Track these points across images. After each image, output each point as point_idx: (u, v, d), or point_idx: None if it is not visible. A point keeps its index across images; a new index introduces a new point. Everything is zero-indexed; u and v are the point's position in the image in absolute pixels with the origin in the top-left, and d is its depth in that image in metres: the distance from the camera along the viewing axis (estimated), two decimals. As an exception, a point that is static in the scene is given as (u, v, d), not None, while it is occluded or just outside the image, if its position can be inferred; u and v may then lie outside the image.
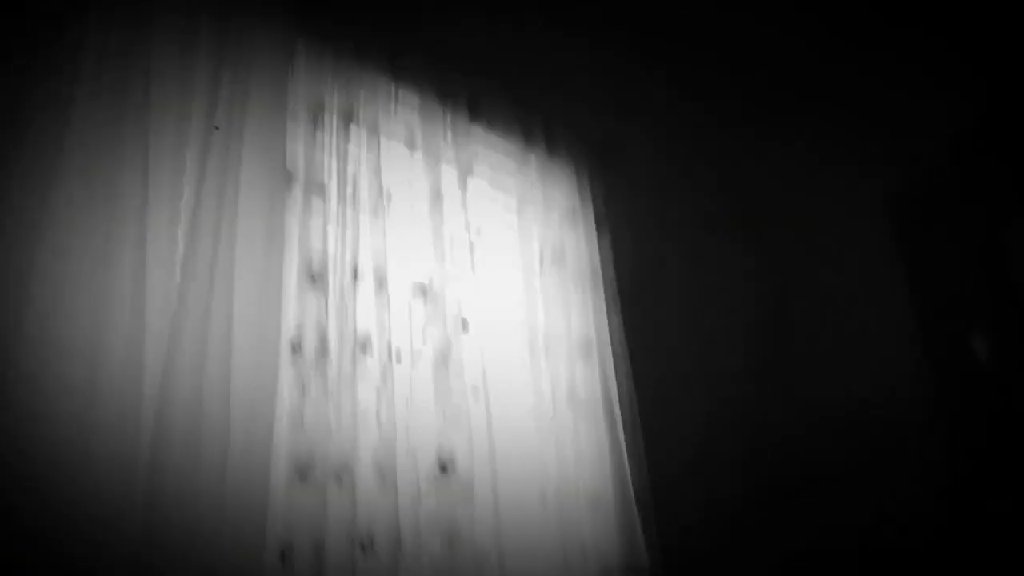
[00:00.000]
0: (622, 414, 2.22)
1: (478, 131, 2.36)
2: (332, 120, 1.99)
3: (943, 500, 2.45)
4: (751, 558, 2.37)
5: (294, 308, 1.70)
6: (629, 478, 2.14)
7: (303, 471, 1.55)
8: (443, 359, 1.94)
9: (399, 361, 1.85)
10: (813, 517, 2.56)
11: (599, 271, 2.46)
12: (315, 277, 1.77)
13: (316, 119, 1.95)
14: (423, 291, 2.00)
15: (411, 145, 2.16)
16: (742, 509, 2.48)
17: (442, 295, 2.02)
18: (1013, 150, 2.68)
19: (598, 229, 2.53)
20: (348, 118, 2.03)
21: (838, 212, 3.00)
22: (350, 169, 1.97)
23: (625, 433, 2.20)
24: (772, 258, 3.03)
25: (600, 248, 2.50)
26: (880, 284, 2.84)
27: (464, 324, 2.04)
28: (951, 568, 2.34)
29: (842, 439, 2.70)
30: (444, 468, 1.79)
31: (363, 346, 1.79)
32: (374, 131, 2.07)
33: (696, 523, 2.32)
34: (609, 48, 2.90)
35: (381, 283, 1.90)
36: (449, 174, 2.20)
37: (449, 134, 2.26)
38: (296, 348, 1.66)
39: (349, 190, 1.94)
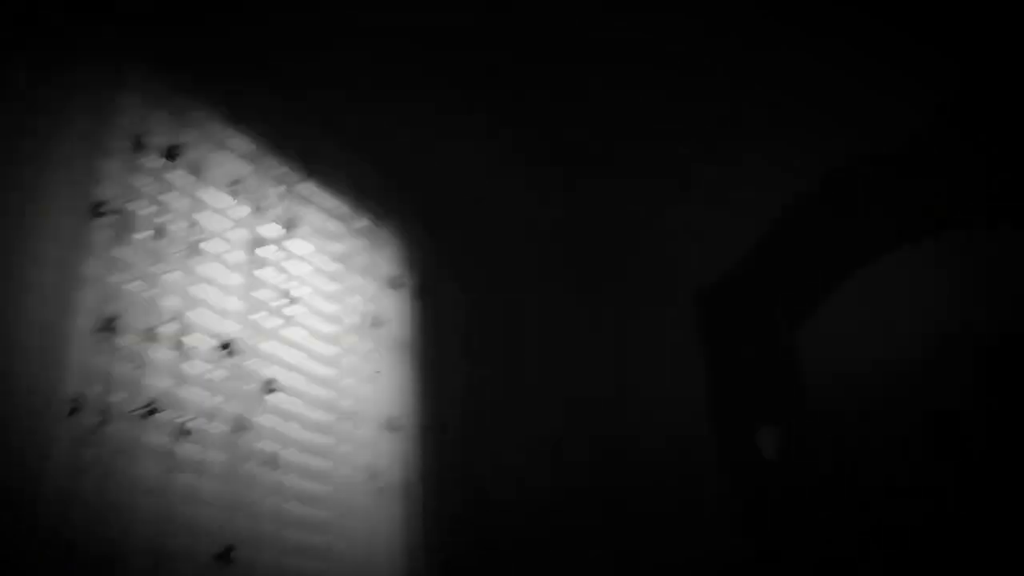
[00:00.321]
0: (422, 498, 2.15)
1: (309, 187, 2.26)
2: (154, 157, 1.83)
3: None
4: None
5: (80, 363, 1.52)
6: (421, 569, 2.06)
7: (66, 558, 1.37)
8: (239, 428, 1.80)
9: (190, 428, 1.69)
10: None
11: (415, 344, 2.40)
12: (108, 328, 1.59)
13: (137, 153, 1.79)
14: (227, 351, 1.86)
15: (235, 193, 2.03)
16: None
17: (246, 358, 1.89)
18: (803, 254, 2.91)
19: (419, 301, 2.48)
20: (172, 156, 1.88)
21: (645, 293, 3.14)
22: (165, 212, 1.82)
23: (423, 520, 2.12)
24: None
25: (419, 320, 2.44)
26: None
27: (267, 389, 1.92)
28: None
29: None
30: (226, 557, 1.64)
31: (153, 410, 1.63)
32: (198, 173, 1.93)
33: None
34: (455, 115, 2.90)
35: (182, 337, 1.75)
36: (272, 229, 2.09)
37: (279, 187, 2.14)
38: (75, 411, 1.48)
39: (160, 234, 1.78)
